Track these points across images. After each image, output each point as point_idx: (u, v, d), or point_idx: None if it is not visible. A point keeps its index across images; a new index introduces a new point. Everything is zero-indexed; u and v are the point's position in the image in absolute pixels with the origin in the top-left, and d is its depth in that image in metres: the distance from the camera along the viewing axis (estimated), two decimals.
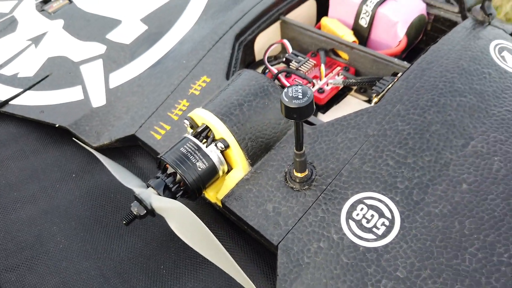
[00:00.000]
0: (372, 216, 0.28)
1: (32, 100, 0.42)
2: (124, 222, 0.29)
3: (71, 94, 0.42)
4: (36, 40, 0.48)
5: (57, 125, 0.39)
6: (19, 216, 0.33)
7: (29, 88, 0.43)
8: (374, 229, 0.28)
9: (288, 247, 0.29)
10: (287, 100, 0.24)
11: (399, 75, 0.35)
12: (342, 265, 0.27)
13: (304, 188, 0.30)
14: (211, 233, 0.26)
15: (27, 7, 0.52)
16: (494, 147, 0.29)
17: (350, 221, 0.28)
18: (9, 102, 0.42)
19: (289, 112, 0.24)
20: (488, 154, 0.29)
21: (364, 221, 0.28)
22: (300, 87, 0.24)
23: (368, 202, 0.29)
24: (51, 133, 0.40)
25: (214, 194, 0.33)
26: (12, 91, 0.43)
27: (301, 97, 0.24)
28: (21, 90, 0.43)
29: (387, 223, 0.28)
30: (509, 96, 0.32)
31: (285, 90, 0.24)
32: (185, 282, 0.29)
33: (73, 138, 0.37)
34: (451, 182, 0.28)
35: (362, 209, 0.29)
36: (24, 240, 0.32)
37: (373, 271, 0.26)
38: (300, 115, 0.24)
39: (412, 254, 0.26)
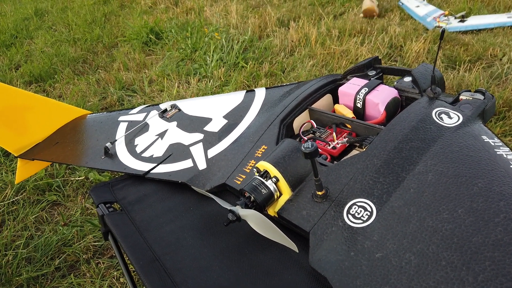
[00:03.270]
0: (361, 211, 0.50)
1: (163, 169, 0.70)
2: (225, 224, 0.53)
3: (186, 164, 0.70)
4: (161, 135, 0.78)
5: (180, 181, 0.66)
6: (166, 230, 0.59)
7: (161, 163, 0.72)
8: (361, 218, 0.49)
9: (315, 232, 0.50)
10: (303, 149, 0.48)
11: (378, 134, 0.58)
12: (344, 237, 0.48)
13: (323, 200, 0.53)
14: (273, 223, 0.49)
15: (153, 116, 0.84)
16: (429, 167, 0.51)
17: (349, 215, 0.50)
18: (150, 172, 0.71)
19: (306, 155, 0.48)
20: (425, 172, 0.50)
21: (356, 214, 0.50)
22: (309, 142, 0.48)
23: (358, 203, 0.51)
24: (176, 186, 0.67)
25: (273, 211, 0.56)
26: (151, 165, 0.72)
27: (310, 147, 0.48)
28: (156, 164, 0.72)
29: (368, 213, 0.49)
30: (442, 139, 0.54)
31: (303, 144, 0.48)
32: (258, 255, 0.52)
33: (192, 187, 0.63)
34: (404, 189, 0.50)
35: (355, 208, 0.51)
36: (170, 241, 0.57)
37: (360, 239, 0.47)
38: (311, 156, 0.48)
39: (382, 228, 0.47)
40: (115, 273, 1.13)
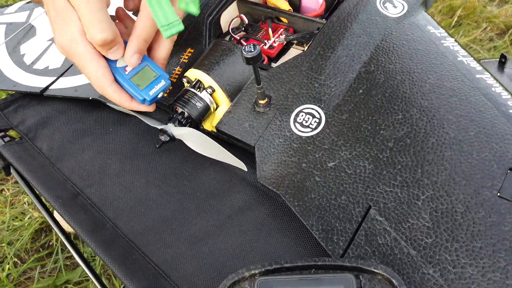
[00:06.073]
0: (308, 118, 0.46)
1: (67, 83, 0.57)
2: (157, 146, 0.46)
3: None
4: None
5: (90, 98, 0.55)
6: (84, 157, 0.50)
7: (61, 75, 0.58)
8: (310, 126, 0.45)
9: (260, 145, 0.46)
10: (245, 53, 0.40)
11: (320, 29, 0.52)
12: (293, 148, 0.45)
13: (266, 110, 0.48)
14: (211, 139, 0.43)
15: (39, 15, 0.66)
16: (378, 65, 0.47)
17: (296, 124, 0.46)
18: (49, 88, 0.58)
19: (248, 60, 0.40)
20: (374, 71, 0.47)
21: (304, 122, 0.46)
22: (252, 45, 0.41)
23: (305, 110, 0.46)
24: (88, 104, 0.56)
25: (210, 125, 0.50)
26: (48, 79, 0.58)
27: (253, 50, 0.40)
28: (55, 77, 0.59)
29: (317, 121, 0.45)
30: (388, 32, 0.50)
31: (243, 47, 0.40)
32: (200, 176, 0.47)
33: (107, 104, 0.53)
34: (353, 90, 0.46)
35: (302, 115, 0.46)
36: (92, 170, 0.48)
37: (311, 149, 0.44)
38: (254, 61, 0.41)
39: (333, 135, 0.44)
40: (26, 198, 1.02)
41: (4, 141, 0.52)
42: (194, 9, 0.41)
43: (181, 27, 0.41)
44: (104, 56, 0.42)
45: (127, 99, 0.43)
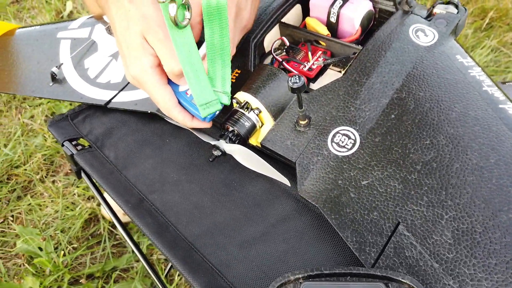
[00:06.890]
0: (344, 139, 0.52)
1: (127, 97, 0.65)
2: (211, 160, 0.53)
3: None
4: (115, 55, 0.70)
5: (149, 112, 0.63)
6: (146, 166, 0.57)
7: (122, 89, 0.66)
8: (345, 146, 0.51)
9: (301, 162, 0.52)
10: (291, 84, 0.46)
11: (356, 55, 0.57)
12: (331, 166, 0.51)
13: (306, 129, 0.54)
14: (258, 155, 0.50)
15: (100, 31, 0.74)
16: (409, 92, 0.52)
17: (333, 143, 0.52)
18: (112, 101, 0.65)
19: (293, 90, 0.47)
20: (405, 98, 0.52)
21: (340, 142, 0.52)
22: (297, 76, 0.47)
23: (342, 132, 0.52)
24: (145, 116, 0.64)
25: (255, 140, 0.56)
26: (110, 93, 0.66)
27: (298, 81, 0.46)
28: (117, 91, 0.66)
29: (352, 142, 0.51)
30: (419, 60, 0.54)
31: (289, 78, 0.46)
32: (247, 187, 0.54)
33: (164, 118, 0.60)
34: (386, 114, 0.52)
35: (338, 136, 0.52)
36: (153, 177, 0.56)
37: (346, 167, 0.50)
38: (299, 90, 0.47)
39: (366, 155, 0.50)
40: (76, 190, 1.12)
41: (77, 149, 0.60)
42: (226, 100, 0.48)
43: (218, 106, 0.49)
44: (168, 83, 0.49)
45: (189, 119, 0.50)
